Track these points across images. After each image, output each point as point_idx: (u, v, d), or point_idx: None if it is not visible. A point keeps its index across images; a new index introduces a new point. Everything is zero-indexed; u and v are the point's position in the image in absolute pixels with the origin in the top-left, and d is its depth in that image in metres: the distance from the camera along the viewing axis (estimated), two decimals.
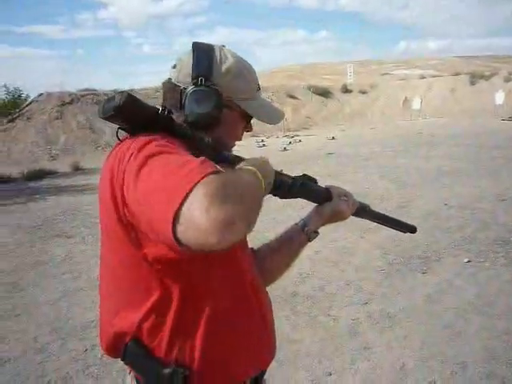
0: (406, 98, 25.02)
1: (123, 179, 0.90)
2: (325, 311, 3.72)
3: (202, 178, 0.77)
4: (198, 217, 0.73)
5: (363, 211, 1.40)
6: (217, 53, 1.10)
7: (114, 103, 0.93)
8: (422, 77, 30.71)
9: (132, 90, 19.69)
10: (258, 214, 0.86)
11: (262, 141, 16.67)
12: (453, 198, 7.03)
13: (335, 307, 3.78)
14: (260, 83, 1.21)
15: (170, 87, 1.11)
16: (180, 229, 0.75)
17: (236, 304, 1.08)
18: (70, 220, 6.99)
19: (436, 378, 2.77)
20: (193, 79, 1.07)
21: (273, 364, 1.19)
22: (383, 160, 10.96)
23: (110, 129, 17.01)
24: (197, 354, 1.01)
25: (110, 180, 0.95)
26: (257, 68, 1.23)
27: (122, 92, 0.94)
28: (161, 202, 0.79)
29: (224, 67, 1.09)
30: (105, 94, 19.03)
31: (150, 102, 1.03)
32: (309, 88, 26.52)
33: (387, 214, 1.49)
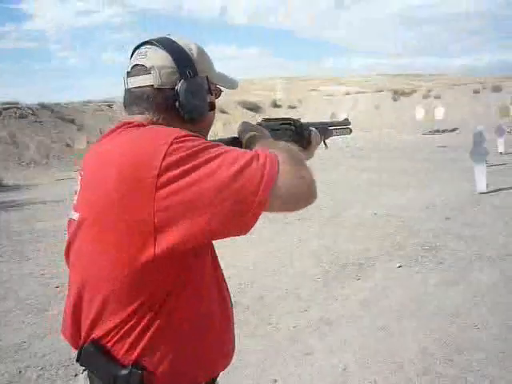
0: (332, 113, 25.79)
1: (167, 180, 0.88)
2: (265, 320, 3.75)
3: (278, 161, 0.95)
4: (295, 188, 0.96)
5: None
6: (179, 42, 1.09)
7: None
8: (348, 93, 31.87)
9: (57, 105, 19.05)
10: None
11: None
12: (381, 207, 7.33)
13: (275, 316, 3.82)
14: None
15: (153, 93, 1.05)
16: (276, 203, 0.93)
17: (208, 307, 1.07)
18: None
19: (376, 378, 2.87)
20: (182, 75, 1.05)
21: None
22: (314, 173, 11.19)
23: (34, 144, 16.32)
24: (158, 358, 0.99)
25: (118, 171, 0.92)
26: None
27: None
28: (242, 193, 0.90)
29: (195, 52, 1.09)
30: (28, 108, 18.26)
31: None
32: (239, 103, 26.79)
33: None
